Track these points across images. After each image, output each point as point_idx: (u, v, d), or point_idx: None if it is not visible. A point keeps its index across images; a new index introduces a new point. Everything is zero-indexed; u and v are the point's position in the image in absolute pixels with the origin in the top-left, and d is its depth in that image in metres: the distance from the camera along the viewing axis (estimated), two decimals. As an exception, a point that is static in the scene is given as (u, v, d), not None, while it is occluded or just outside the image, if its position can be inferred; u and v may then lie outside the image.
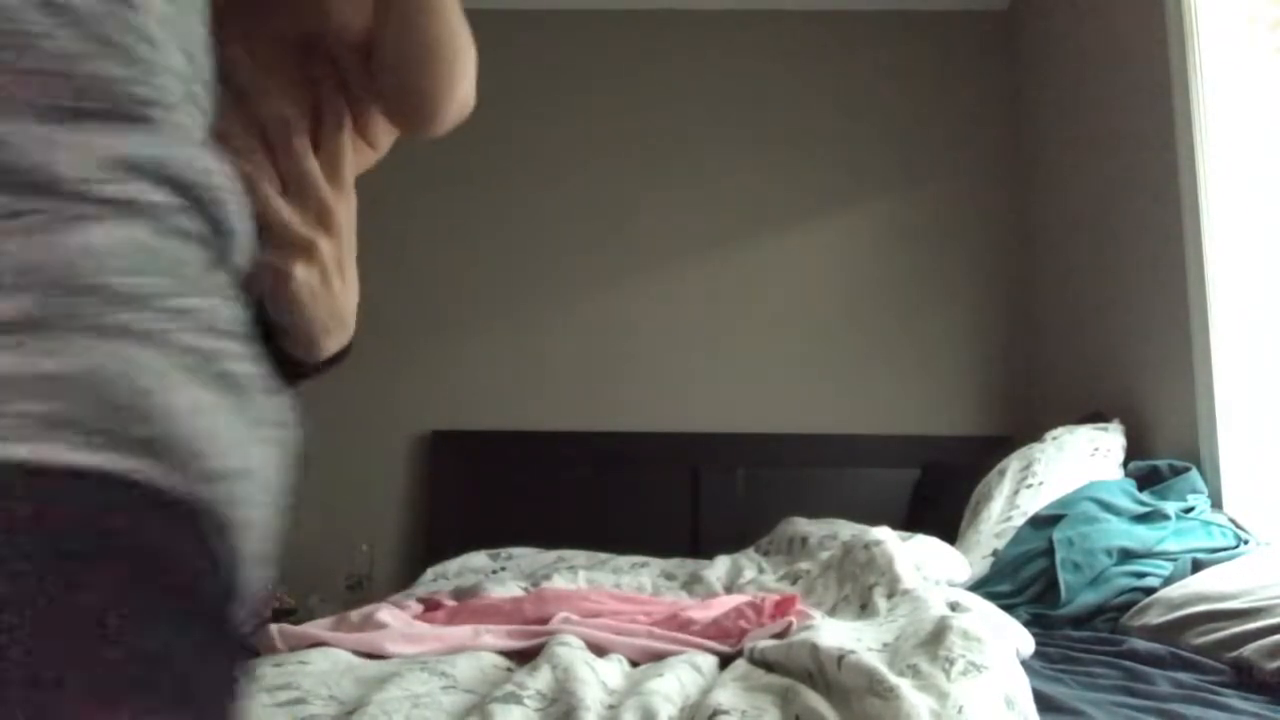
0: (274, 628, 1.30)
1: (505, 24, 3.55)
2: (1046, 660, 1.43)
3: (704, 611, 1.44)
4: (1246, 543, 1.90)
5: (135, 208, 0.35)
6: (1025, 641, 1.36)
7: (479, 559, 2.63)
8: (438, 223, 3.47)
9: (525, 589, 1.84)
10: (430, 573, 2.56)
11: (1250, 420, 2.11)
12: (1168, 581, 1.74)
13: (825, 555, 1.83)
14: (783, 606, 1.42)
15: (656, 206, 3.47)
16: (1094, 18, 2.83)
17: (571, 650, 1.22)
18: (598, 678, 1.15)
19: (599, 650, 1.28)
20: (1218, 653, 1.40)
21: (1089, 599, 1.76)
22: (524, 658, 1.29)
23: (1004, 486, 2.28)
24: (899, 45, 3.54)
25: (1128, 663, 1.40)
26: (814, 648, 1.12)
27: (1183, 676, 1.32)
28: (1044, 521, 1.97)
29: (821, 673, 1.08)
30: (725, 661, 1.29)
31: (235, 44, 0.62)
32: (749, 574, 2.37)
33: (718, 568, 2.47)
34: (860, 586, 1.57)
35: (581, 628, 1.33)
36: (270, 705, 1.05)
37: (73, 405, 0.31)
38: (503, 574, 2.46)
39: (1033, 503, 2.14)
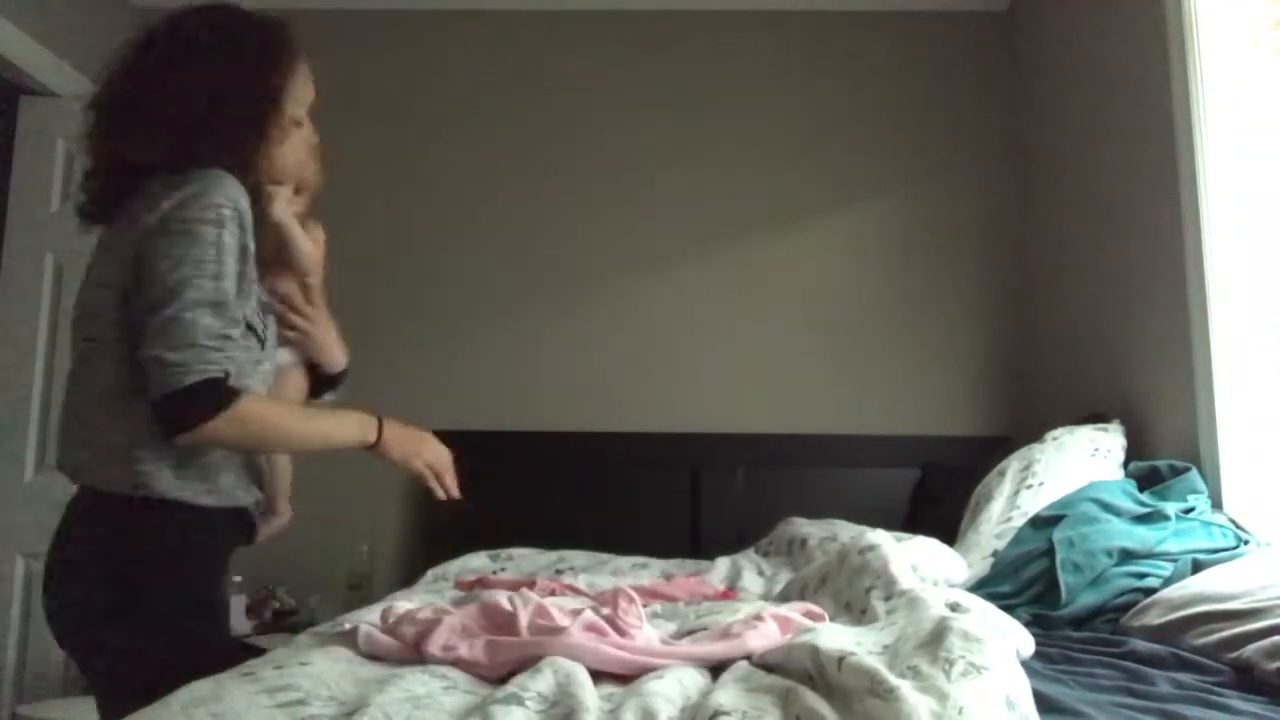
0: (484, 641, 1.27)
1: (507, 24, 3.55)
2: (1047, 661, 1.42)
3: (761, 640, 1.31)
4: (1246, 543, 1.90)
5: None
6: (1025, 642, 1.36)
7: (479, 559, 2.63)
8: (438, 224, 3.47)
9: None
10: (430, 573, 2.55)
11: (1250, 420, 2.11)
12: (1168, 582, 1.74)
13: (819, 563, 1.83)
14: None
15: (656, 208, 3.47)
16: (1094, 18, 2.83)
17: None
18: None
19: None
20: (1218, 653, 1.40)
21: (1089, 599, 1.76)
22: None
23: (1004, 487, 2.28)
24: (899, 45, 3.54)
25: (1128, 663, 1.40)
26: (814, 649, 1.12)
27: (1183, 677, 1.32)
28: (1044, 522, 1.97)
29: (822, 674, 1.08)
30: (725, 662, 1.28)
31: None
32: (749, 576, 2.36)
33: (718, 569, 2.47)
34: (857, 591, 1.56)
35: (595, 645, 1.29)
36: (270, 706, 1.05)
37: None
38: (503, 575, 2.46)
39: (1033, 503, 2.14)
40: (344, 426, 1.53)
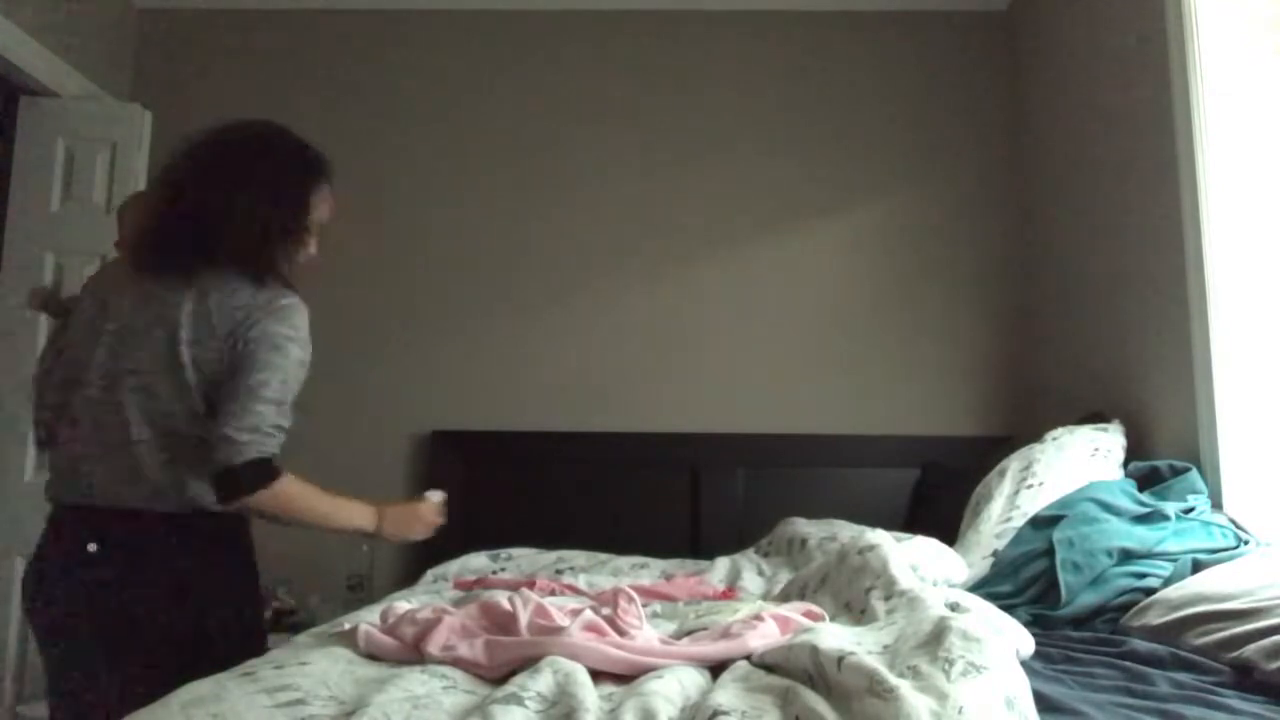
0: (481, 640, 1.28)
1: (501, 22, 3.55)
2: (1047, 661, 1.42)
3: (761, 640, 1.32)
4: (1246, 543, 1.90)
5: None
6: (1025, 642, 1.36)
7: (479, 559, 2.63)
8: (438, 224, 3.47)
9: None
10: (430, 573, 2.55)
11: (1250, 420, 2.11)
12: (1168, 582, 1.74)
13: (819, 563, 1.82)
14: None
15: (656, 209, 3.47)
16: (1094, 18, 2.83)
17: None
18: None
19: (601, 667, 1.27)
20: (1218, 653, 1.40)
21: (1089, 599, 1.76)
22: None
23: (1004, 487, 2.27)
24: (900, 45, 3.54)
25: (1128, 663, 1.40)
26: (814, 649, 1.12)
27: (1183, 677, 1.32)
28: (1044, 522, 1.97)
29: (821, 674, 1.08)
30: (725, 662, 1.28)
31: None
32: (749, 576, 2.36)
33: (718, 569, 2.47)
34: (856, 591, 1.56)
35: (597, 645, 1.30)
36: (270, 706, 1.05)
37: None
38: (503, 575, 2.46)
39: (1033, 503, 2.14)
40: (354, 516, 1.87)
